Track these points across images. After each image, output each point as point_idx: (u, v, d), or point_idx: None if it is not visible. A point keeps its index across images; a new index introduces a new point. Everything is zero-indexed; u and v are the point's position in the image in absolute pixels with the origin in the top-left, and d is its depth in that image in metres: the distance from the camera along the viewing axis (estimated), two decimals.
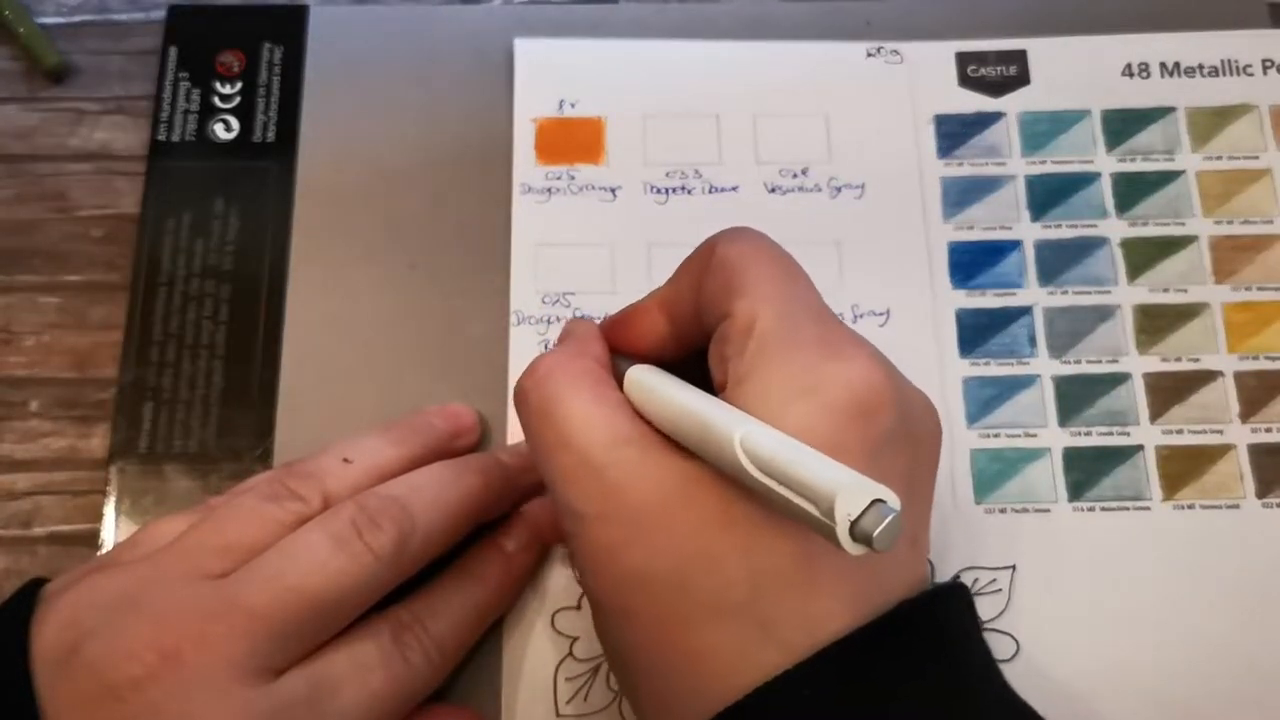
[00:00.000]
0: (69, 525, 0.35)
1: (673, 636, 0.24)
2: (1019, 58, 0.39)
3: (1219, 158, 0.38)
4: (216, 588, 0.26)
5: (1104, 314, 0.36)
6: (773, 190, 0.38)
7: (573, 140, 0.38)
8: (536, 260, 0.37)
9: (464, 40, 0.40)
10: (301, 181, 0.38)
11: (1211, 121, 0.38)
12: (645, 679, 0.25)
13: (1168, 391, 0.35)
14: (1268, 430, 0.35)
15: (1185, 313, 0.36)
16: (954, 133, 0.38)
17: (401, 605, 0.29)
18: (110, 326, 0.36)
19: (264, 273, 0.37)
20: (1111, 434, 0.35)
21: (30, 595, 0.27)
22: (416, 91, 0.39)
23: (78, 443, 0.35)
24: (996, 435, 0.35)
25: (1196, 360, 0.36)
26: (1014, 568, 0.33)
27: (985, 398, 0.35)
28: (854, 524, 0.20)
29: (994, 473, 0.34)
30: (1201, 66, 0.39)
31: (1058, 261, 0.37)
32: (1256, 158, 0.38)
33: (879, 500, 0.20)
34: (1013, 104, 0.39)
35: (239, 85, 0.39)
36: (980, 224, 0.37)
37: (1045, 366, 0.36)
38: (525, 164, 0.38)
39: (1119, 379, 0.35)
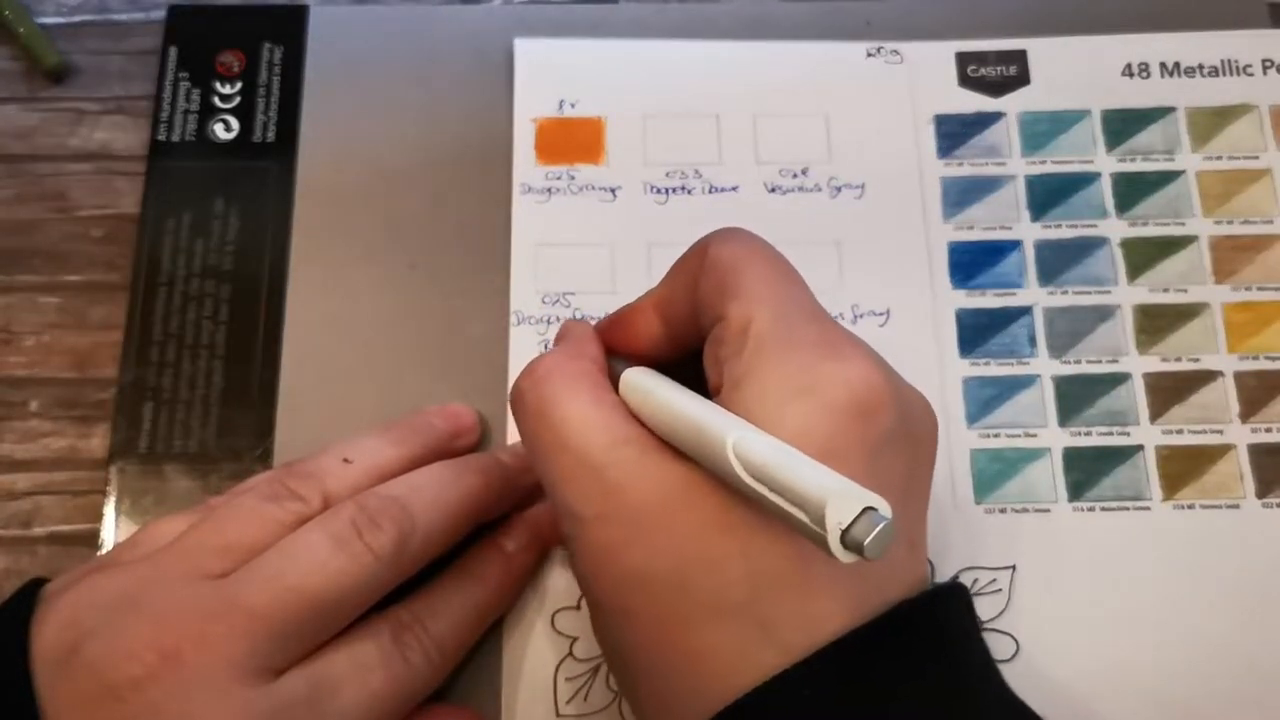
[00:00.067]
0: (69, 525, 0.35)
1: (673, 636, 0.24)
2: (1019, 58, 0.39)
3: (1219, 158, 0.38)
4: (216, 588, 0.26)
5: (1104, 314, 0.36)
6: (773, 190, 0.38)
7: (573, 140, 0.38)
8: (536, 260, 0.37)
9: (464, 40, 0.40)
10: (301, 181, 0.38)
11: (1211, 121, 0.38)
12: (645, 679, 0.25)
13: (1168, 391, 0.35)
14: (1268, 430, 0.35)
15: (1185, 313, 0.36)
16: (954, 133, 0.38)
17: (401, 605, 0.29)
18: (110, 326, 0.36)
19: (264, 273, 0.37)
20: (1111, 434, 0.35)
21: (30, 595, 0.27)
22: (416, 91, 0.39)
23: (78, 443, 0.35)
24: (996, 435, 0.35)
25: (1196, 360, 0.36)
26: (1014, 568, 0.33)
27: (985, 398, 0.35)
28: (845, 532, 0.20)
29: (994, 473, 0.34)
30: (1201, 66, 0.39)
31: (1058, 261, 0.37)
32: (1256, 158, 0.38)
33: (870, 508, 0.20)
34: (1013, 104, 0.39)
35: (239, 85, 0.39)
36: (980, 224, 0.37)
37: (1045, 366, 0.36)
38: (525, 164, 0.38)
39: (1119, 379, 0.35)
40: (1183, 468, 0.34)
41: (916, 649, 0.24)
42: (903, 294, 0.36)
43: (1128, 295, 0.36)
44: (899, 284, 0.37)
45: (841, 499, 0.20)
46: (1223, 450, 0.35)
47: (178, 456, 0.35)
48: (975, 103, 0.39)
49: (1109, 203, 0.37)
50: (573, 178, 0.38)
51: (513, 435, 0.34)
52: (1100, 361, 0.36)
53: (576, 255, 0.37)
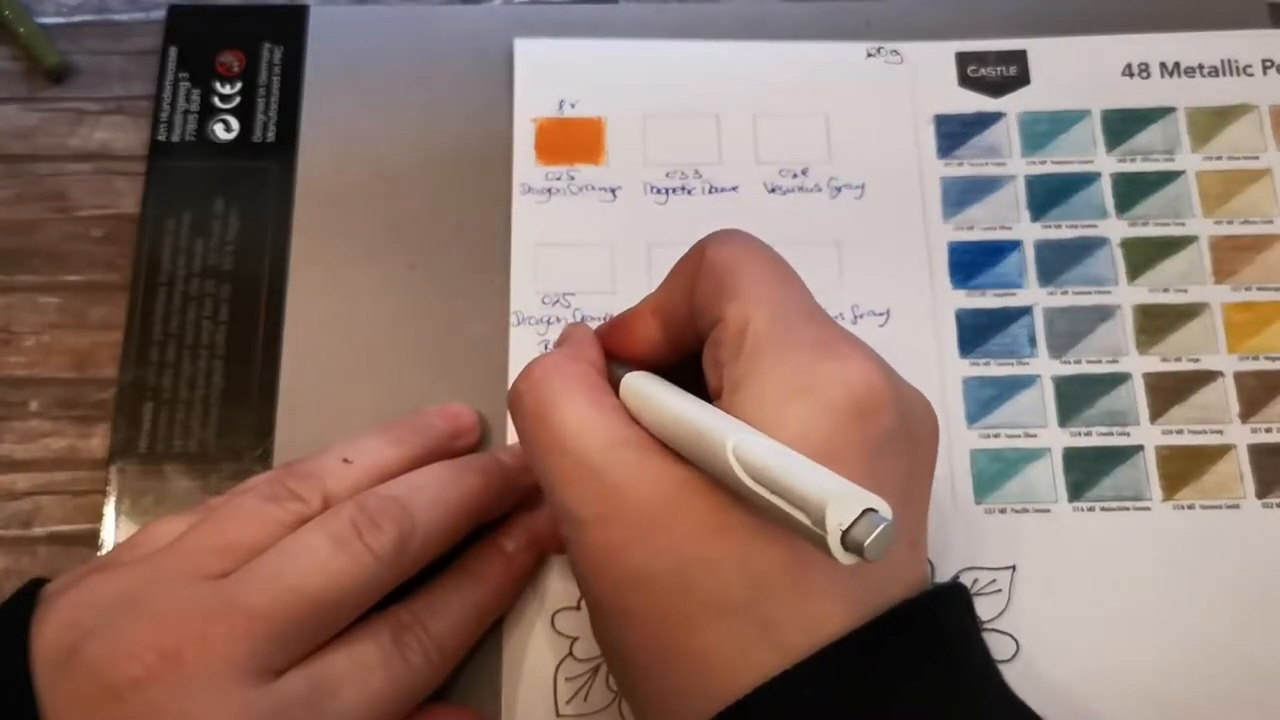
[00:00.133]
0: (69, 525, 0.35)
1: (674, 636, 0.24)
2: (1019, 58, 0.39)
3: (1219, 158, 0.38)
4: (216, 588, 0.26)
5: (1104, 314, 0.36)
6: (773, 190, 0.38)
7: (573, 140, 0.38)
8: (536, 260, 0.37)
9: (464, 40, 0.40)
10: (301, 181, 0.38)
11: (1211, 121, 0.38)
12: (645, 679, 0.25)
13: (1168, 391, 0.35)
14: (1268, 430, 0.35)
15: (1185, 313, 0.36)
16: (954, 133, 0.38)
17: (401, 605, 0.29)
18: (110, 326, 0.36)
19: (264, 273, 0.37)
20: (1111, 434, 0.35)
21: (30, 595, 0.27)
22: (416, 91, 0.39)
23: (78, 443, 0.35)
24: (996, 435, 0.35)
25: (1196, 360, 0.36)
26: (1014, 568, 0.33)
27: (985, 398, 0.35)
28: (845, 533, 0.20)
29: (994, 473, 0.34)
30: (1201, 66, 0.39)
31: (1058, 261, 0.37)
32: (1256, 158, 0.38)
33: (870, 509, 0.20)
34: (1013, 104, 0.39)
35: (239, 85, 0.39)
36: (980, 224, 0.37)
37: (1045, 366, 0.36)
38: (525, 164, 0.38)
39: (1119, 379, 0.35)
40: (1183, 468, 0.34)
41: (916, 649, 0.24)
42: (903, 294, 0.36)
43: (1128, 295, 0.36)
44: (899, 284, 0.37)
45: (841, 500, 0.20)
46: (1223, 450, 0.35)
47: (178, 456, 0.35)
48: (975, 103, 0.39)
49: (1109, 203, 0.37)
50: (573, 178, 0.38)
51: (513, 435, 0.34)
52: (1100, 361, 0.36)
53: (576, 255, 0.37)
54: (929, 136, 0.38)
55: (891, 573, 0.25)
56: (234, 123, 0.39)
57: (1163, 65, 0.39)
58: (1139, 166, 0.38)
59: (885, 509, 0.20)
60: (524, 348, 0.36)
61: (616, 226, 0.37)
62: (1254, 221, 0.37)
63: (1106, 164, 0.38)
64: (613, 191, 0.38)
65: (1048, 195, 0.38)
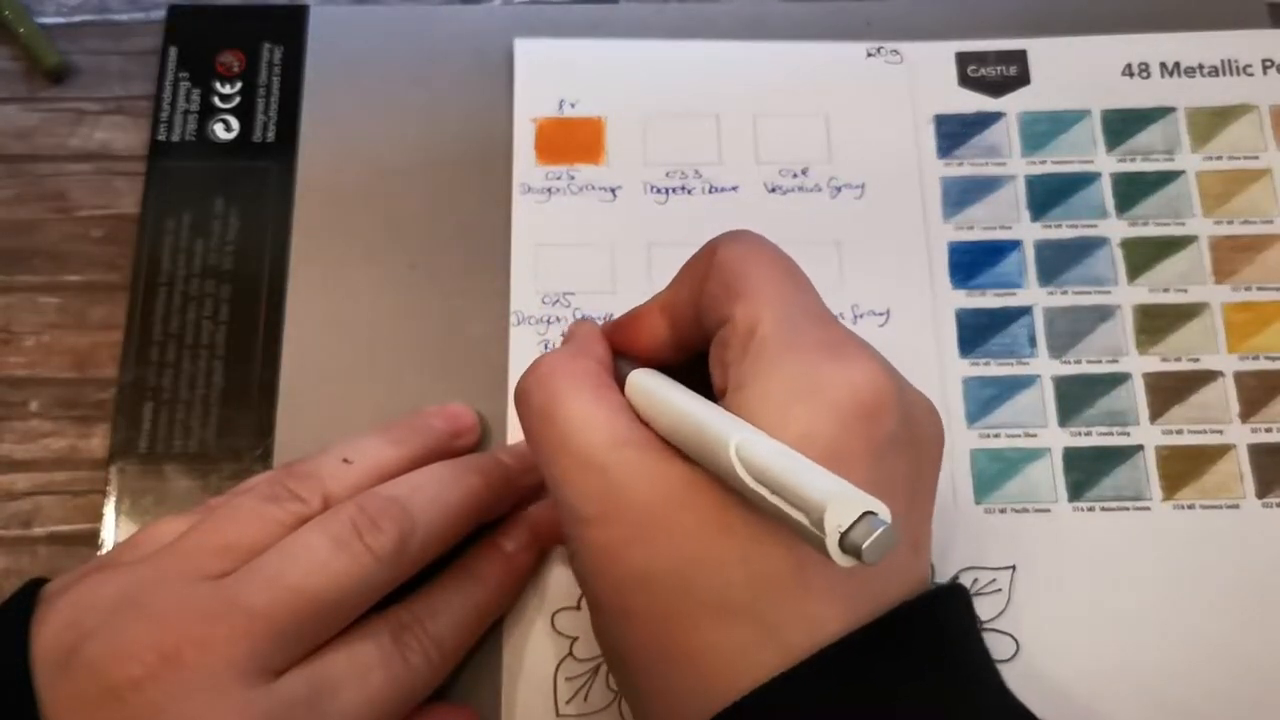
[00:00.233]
0: (69, 525, 0.35)
1: (675, 636, 0.24)
2: (1019, 58, 0.39)
3: (1219, 158, 0.38)
4: (216, 588, 0.26)
5: (1104, 314, 0.36)
6: (773, 190, 0.38)
7: (573, 140, 0.38)
8: (536, 260, 0.37)
9: (464, 40, 0.40)
10: (301, 181, 0.38)
11: (1211, 121, 0.38)
12: (645, 679, 0.25)
13: (1168, 391, 0.35)
14: (1268, 430, 0.35)
15: (1185, 313, 0.36)
16: (954, 133, 0.38)
17: (401, 605, 0.29)
18: (110, 326, 0.36)
19: (264, 273, 0.37)
20: (1111, 434, 0.35)
21: (30, 595, 0.27)
22: (416, 91, 0.39)
23: (78, 443, 0.35)
24: (996, 435, 0.35)
25: (1196, 360, 0.36)
26: (1014, 568, 0.33)
27: (985, 398, 0.35)
28: (844, 536, 0.20)
29: (994, 473, 0.34)
30: (1201, 66, 0.39)
31: (1058, 261, 0.37)
32: (1256, 158, 0.38)
33: (870, 512, 0.20)
34: (1013, 104, 0.39)
35: (239, 85, 0.39)
36: (980, 224, 0.37)
37: (1045, 366, 0.36)
38: (525, 164, 0.38)
39: (1119, 379, 0.35)
40: (1183, 468, 0.34)
41: (916, 650, 0.24)
42: (903, 294, 0.36)
43: (1128, 295, 0.36)
44: (899, 284, 0.37)
45: (841, 503, 0.20)
46: (1223, 450, 0.35)
47: (178, 456, 0.35)
48: (975, 103, 0.39)
49: (1109, 203, 0.37)
50: (573, 178, 0.38)
51: (513, 435, 0.34)
52: (1100, 361, 0.36)
53: (576, 255, 0.37)
54: (929, 136, 0.38)
55: (893, 574, 0.25)
56: (234, 123, 0.39)
57: (1163, 65, 0.39)
58: (1139, 166, 0.38)
59: (885, 512, 0.20)
60: (524, 348, 0.36)
61: (616, 226, 0.37)
62: (1254, 221, 0.37)
63: (1106, 164, 0.38)
64: (613, 191, 0.38)
65: (1048, 195, 0.38)
